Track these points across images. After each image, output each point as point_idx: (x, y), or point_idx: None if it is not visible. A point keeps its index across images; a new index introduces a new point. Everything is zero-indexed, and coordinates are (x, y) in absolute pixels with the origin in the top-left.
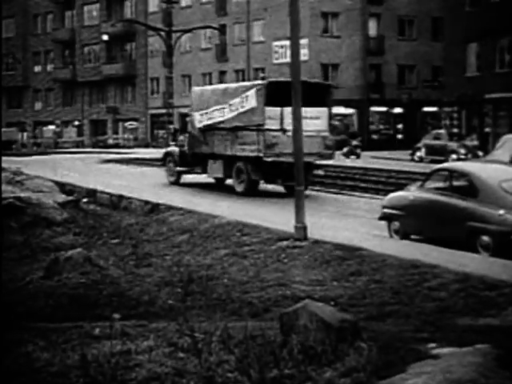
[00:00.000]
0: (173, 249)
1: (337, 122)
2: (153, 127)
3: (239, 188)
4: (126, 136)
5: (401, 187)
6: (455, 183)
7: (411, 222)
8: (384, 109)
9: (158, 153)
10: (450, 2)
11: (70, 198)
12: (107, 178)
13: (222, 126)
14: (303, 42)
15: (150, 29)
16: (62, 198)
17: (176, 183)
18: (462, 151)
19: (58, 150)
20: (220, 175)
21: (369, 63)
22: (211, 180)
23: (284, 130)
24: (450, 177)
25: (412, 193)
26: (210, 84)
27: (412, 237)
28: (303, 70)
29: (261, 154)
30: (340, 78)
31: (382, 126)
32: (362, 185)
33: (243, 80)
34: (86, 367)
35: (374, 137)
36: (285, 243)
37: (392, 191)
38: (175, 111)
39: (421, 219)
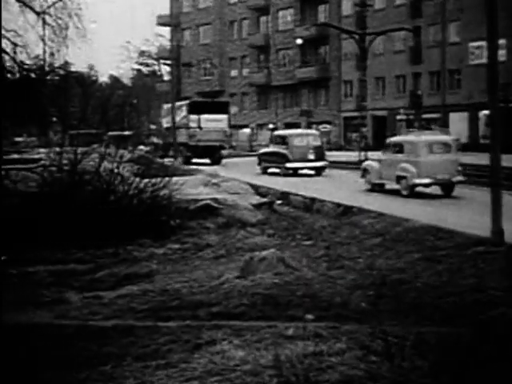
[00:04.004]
0: (365, 251)
1: None
2: (346, 130)
3: (180, 160)
4: None
5: None
6: None
7: None
8: None
9: (351, 156)
10: None
11: (264, 199)
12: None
13: (173, 125)
14: (501, 42)
15: (343, 32)
16: (256, 199)
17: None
18: None
19: (252, 153)
20: (172, 154)
21: None
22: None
23: (200, 128)
24: None
25: None
26: (404, 87)
27: None
28: (501, 70)
29: (187, 141)
30: None
31: None
32: None
33: (438, 82)
34: (279, 367)
35: None
36: (480, 248)
37: None
38: (368, 114)
39: None
